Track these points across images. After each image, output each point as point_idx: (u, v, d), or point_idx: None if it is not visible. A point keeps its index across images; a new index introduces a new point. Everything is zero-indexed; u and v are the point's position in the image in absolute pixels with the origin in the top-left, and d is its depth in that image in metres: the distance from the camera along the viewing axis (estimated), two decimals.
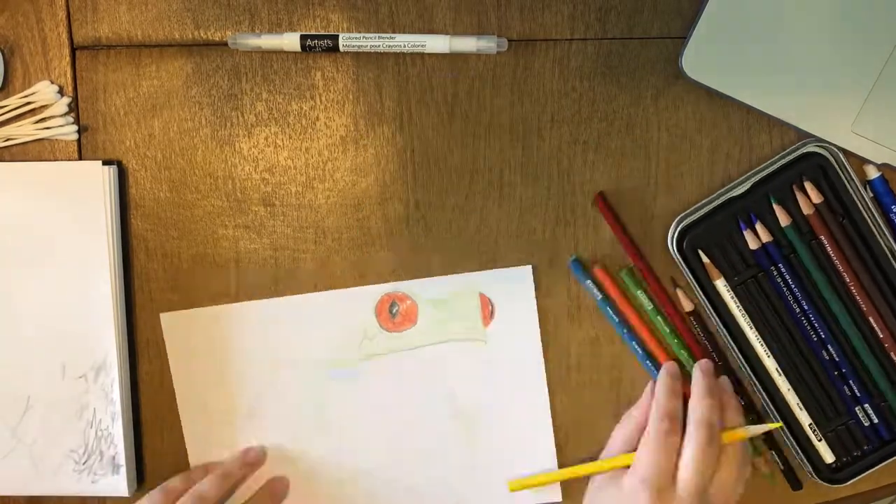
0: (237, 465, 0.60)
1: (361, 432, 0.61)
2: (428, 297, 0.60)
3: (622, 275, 0.59)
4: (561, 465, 0.61)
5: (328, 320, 0.61)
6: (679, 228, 0.58)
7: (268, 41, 0.58)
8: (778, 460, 0.60)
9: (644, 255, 0.59)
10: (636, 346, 0.60)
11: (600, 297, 0.59)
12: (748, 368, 0.59)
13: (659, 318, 0.59)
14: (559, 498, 0.61)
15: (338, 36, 0.57)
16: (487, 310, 0.60)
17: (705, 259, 0.58)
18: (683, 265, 0.58)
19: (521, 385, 0.61)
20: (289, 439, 0.62)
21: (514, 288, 0.60)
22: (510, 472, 0.61)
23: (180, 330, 0.61)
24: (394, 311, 0.61)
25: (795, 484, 0.60)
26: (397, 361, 0.61)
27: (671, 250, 0.58)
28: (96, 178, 0.59)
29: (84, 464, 0.61)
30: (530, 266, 0.60)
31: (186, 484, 0.59)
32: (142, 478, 0.62)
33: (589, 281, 0.59)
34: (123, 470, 0.61)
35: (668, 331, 0.59)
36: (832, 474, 0.60)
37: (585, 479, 0.59)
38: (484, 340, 0.61)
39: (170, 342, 0.61)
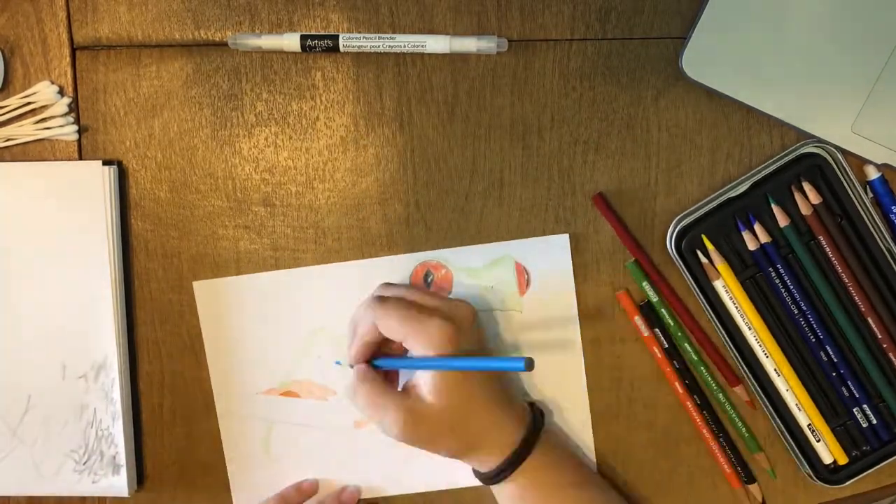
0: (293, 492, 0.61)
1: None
2: (463, 266, 0.60)
3: (628, 267, 0.59)
4: (596, 439, 0.61)
5: (364, 290, 0.60)
6: (678, 229, 0.58)
7: (268, 41, 0.58)
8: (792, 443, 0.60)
9: (645, 249, 0.59)
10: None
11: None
12: (746, 369, 0.59)
13: (663, 310, 0.59)
14: (594, 470, 0.61)
15: (338, 36, 0.57)
16: (524, 278, 0.60)
17: (703, 259, 0.58)
18: (682, 265, 0.58)
19: (558, 354, 0.61)
20: (320, 412, 0.62)
21: (551, 256, 0.60)
22: None
23: (212, 298, 0.61)
24: (429, 280, 0.61)
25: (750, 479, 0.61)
26: None
27: (670, 250, 0.58)
28: (96, 179, 0.59)
29: (84, 464, 0.61)
30: (567, 235, 0.60)
31: None
32: (142, 478, 0.63)
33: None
34: (124, 470, 0.61)
35: (671, 324, 0.59)
36: (830, 475, 0.60)
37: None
38: (520, 310, 0.60)
39: (202, 311, 0.61)
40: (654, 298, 0.59)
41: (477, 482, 0.59)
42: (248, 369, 0.61)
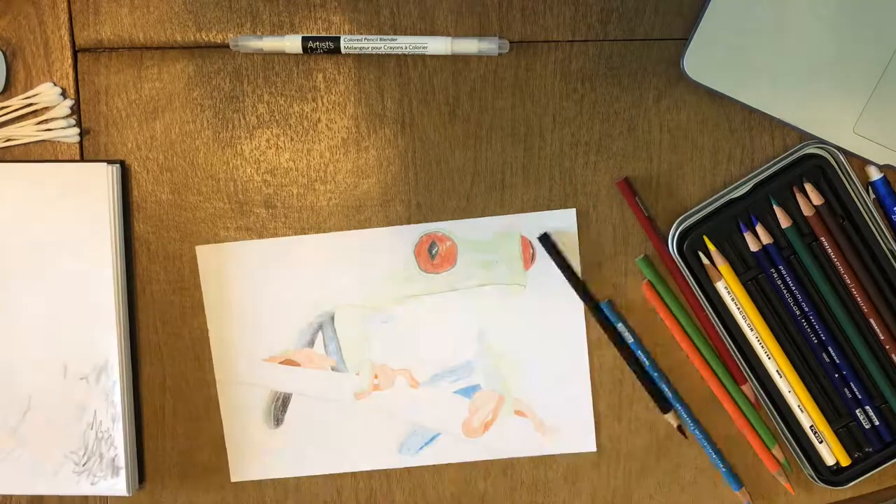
0: None
1: (394, 375, 0.62)
2: (468, 239, 0.60)
3: (638, 263, 0.59)
4: (598, 440, 0.61)
5: (366, 259, 0.60)
6: (679, 230, 0.58)
7: (269, 43, 0.58)
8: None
9: (664, 238, 0.59)
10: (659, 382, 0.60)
11: (632, 340, 0.60)
12: (749, 370, 0.59)
13: (675, 304, 0.59)
14: (594, 447, 0.61)
15: (339, 38, 0.57)
16: (529, 253, 0.60)
17: (705, 261, 0.58)
18: (684, 266, 0.58)
19: (560, 331, 0.60)
20: (320, 382, 0.62)
21: (557, 231, 0.60)
22: (544, 421, 0.61)
23: (215, 263, 0.61)
24: (433, 251, 0.60)
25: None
26: (434, 303, 0.61)
27: (672, 252, 0.58)
28: (100, 179, 0.59)
29: (84, 465, 0.61)
30: (574, 209, 0.59)
31: None
32: (143, 480, 0.62)
33: (621, 324, 0.60)
34: (123, 472, 0.60)
35: (687, 319, 0.59)
36: (833, 476, 0.60)
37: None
38: (524, 284, 0.60)
39: (204, 276, 0.61)
40: (665, 293, 0.59)
41: (479, 457, 0.60)
42: (249, 336, 0.61)
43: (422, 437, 0.62)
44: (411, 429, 0.62)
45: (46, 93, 0.59)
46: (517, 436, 0.62)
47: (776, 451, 0.61)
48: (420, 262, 0.61)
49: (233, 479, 0.62)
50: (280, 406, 0.62)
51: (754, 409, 0.60)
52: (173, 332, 0.61)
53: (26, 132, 0.59)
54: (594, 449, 0.61)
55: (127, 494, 0.61)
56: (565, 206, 0.59)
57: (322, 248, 0.60)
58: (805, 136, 0.57)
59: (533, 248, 0.60)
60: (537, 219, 0.60)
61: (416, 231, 0.60)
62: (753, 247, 0.58)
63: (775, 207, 0.57)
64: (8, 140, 0.59)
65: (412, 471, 0.62)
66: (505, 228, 0.60)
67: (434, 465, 0.62)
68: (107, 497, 0.62)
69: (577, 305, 0.60)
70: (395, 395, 0.62)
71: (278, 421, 0.62)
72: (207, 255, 0.61)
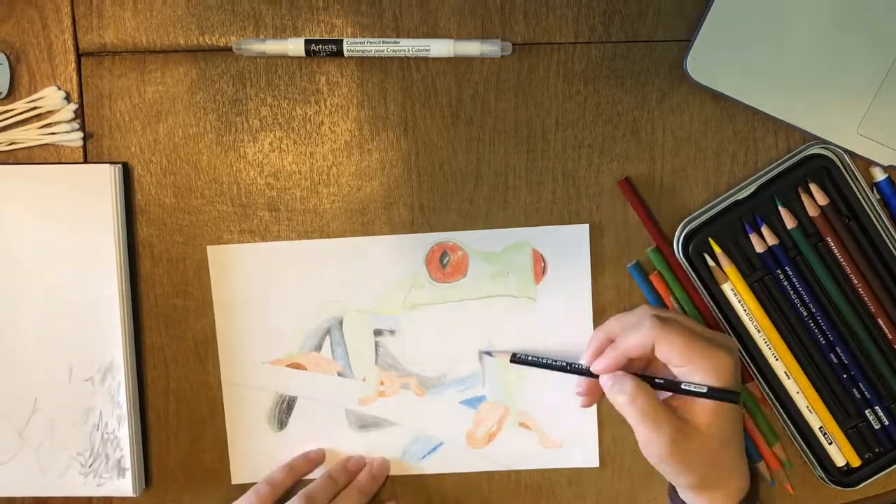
0: (341, 471, 0.61)
1: (399, 383, 0.62)
2: (480, 250, 0.60)
3: (649, 254, 0.59)
4: (602, 441, 0.61)
5: (377, 266, 0.60)
6: (685, 232, 0.57)
7: (272, 46, 0.58)
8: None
9: (666, 236, 0.59)
10: None
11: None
12: (757, 372, 0.58)
13: (683, 294, 0.59)
14: (596, 463, 0.61)
15: (342, 41, 0.57)
16: (540, 266, 0.60)
17: (711, 263, 0.57)
18: (690, 269, 0.58)
19: (568, 345, 0.60)
20: (327, 386, 0.62)
21: (569, 246, 0.60)
22: (548, 434, 0.61)
23: (225, 264, 0.61)
24: (444, 261, 0.60)
25: None
26: (442, 312, 0.61)
27: (677, 254, 0.58)
28: (103, 180, 0.59)
29: (90, 466, 0.61)
30: (587, 225, 0.59)
31: (291, 476, 0.60)
32: (148, 481, 0.62)
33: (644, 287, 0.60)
34: (129, 473, 0.61)
35: (695, 312, 0.59)
36: (844, 477, 0.59)
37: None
38: (533, 298, 0.60)
39: (214, 276, 0.61)
40: (674, 285, 0.59)
41: (482, 468, 0.61)
42: (257, 338, 0.61)
43: (425, 445, 0.62)
44: (415, 436, 0.62)
45: (50, 96, 0.59)
46: (521, 448, 0.61)
47: (777, 449, 0.61)
48: (431, 270, 0.60)
49: (234, 482, 0.62)
50: (285, 409, 0.62)
51: (759, 408, 0.60)
52: (177, 336, 0.61)
53: (30, 136, 0.59)
54: (597, 465, 0.61)
55: (133, 495, 0.61)
56: (568, 209, 0.59)
57: (333, 252, 0.61)
58: (808, 137, 0.57)
59: (544, 262, 0.60)
60: (550, 232, 0.60)
61: (427, 240, 0.60)
62: (759, 248, 0.57)
63: (780, 208, 0.57)
64: (12, 143, 0.60)
65: (415, 475, 0.62)
66: (517, 242, 0.60)
67: (434, 475, 0.62)
68: (112, 498, 0.62)
69: (585, 320, 0.60)
70: (401, 403, 0.62)
71: (282, 424, 0.62)
72: (218, 256, 0.61)
